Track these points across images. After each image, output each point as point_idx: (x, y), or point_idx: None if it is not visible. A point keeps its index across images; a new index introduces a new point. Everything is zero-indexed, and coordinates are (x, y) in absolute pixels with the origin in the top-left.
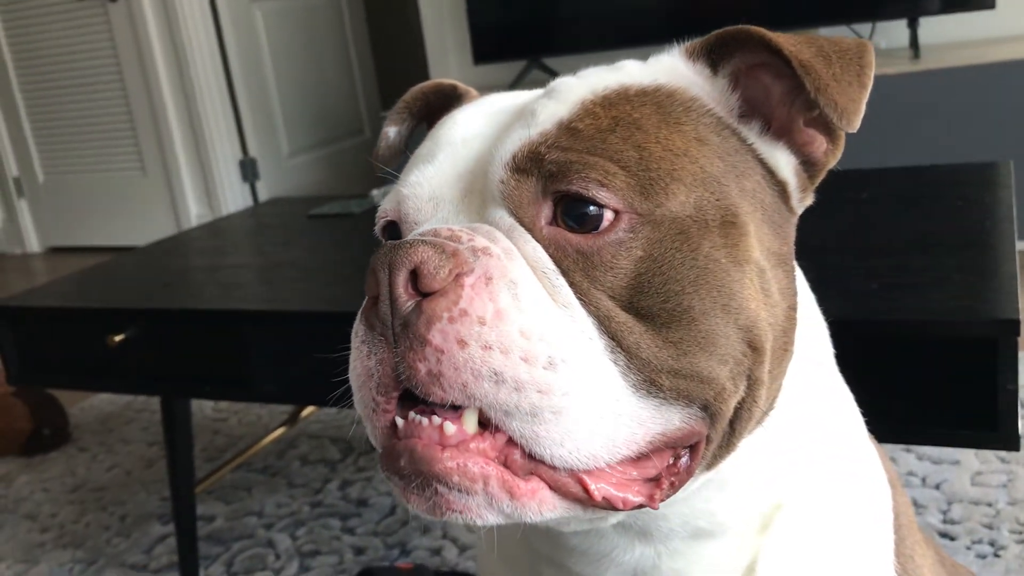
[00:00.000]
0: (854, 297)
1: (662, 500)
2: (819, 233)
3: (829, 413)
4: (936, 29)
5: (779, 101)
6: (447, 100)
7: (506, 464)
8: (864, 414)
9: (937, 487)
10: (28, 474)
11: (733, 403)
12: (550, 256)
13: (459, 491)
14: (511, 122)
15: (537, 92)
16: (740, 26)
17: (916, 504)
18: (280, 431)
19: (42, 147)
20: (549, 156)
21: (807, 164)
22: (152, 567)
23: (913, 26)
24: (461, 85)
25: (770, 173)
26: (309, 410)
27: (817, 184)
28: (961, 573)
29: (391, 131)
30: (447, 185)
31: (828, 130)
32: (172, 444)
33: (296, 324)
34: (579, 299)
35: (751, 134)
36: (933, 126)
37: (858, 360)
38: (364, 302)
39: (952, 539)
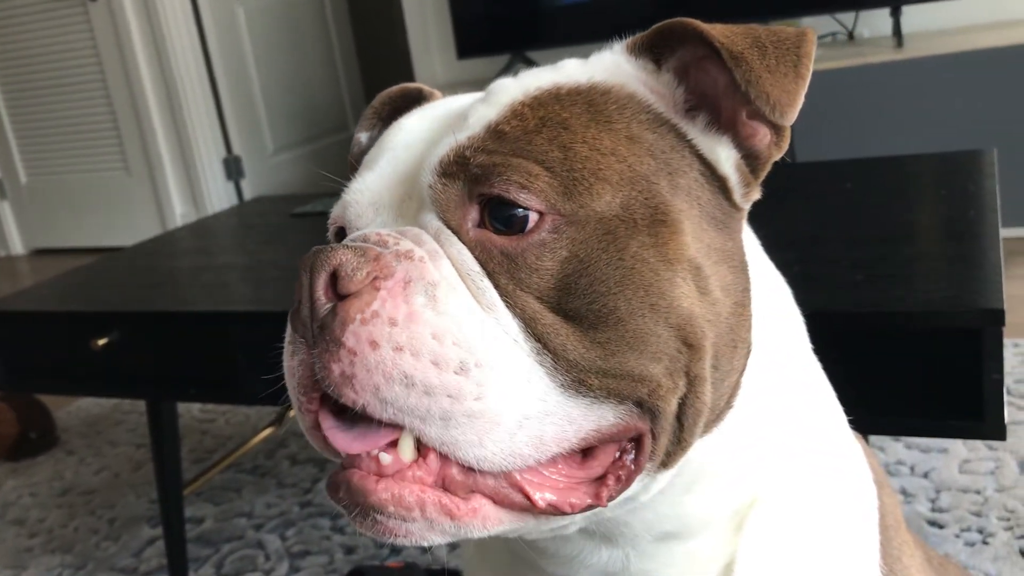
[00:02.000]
0: (840, 288)
1: (611, 499)
2: (804, 224)
3: (803, 409)
4: (919, 17)
5: (724, 93)
6: (414, 104)
7: (445, 485)
8: (850, 406)
9: (925, 475)
10: (15, 479)
11: (674, 399)
12: (476, 259)
13: (396, 519)
14: (448, 127)
15: (479, 94)
16: (677, 19)
17: (905, 493)
18: (268, 431)
19: (24, 148)
20: (474, 160)
21: (750, 158)
22: (141, 570)
23: (896, 14)
24: (427, 88)
25: (710, 169)
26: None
27: (762, 178)
28: (951, 571)
29: (362, 137)
30: (387, 190)
31: (771, 122)
32: (159, 447)
33: (282, 324)
34: (504, 301)
35: (694, 128)
36: (916, 115)
37: (844, 351)
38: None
39: (941, 527)
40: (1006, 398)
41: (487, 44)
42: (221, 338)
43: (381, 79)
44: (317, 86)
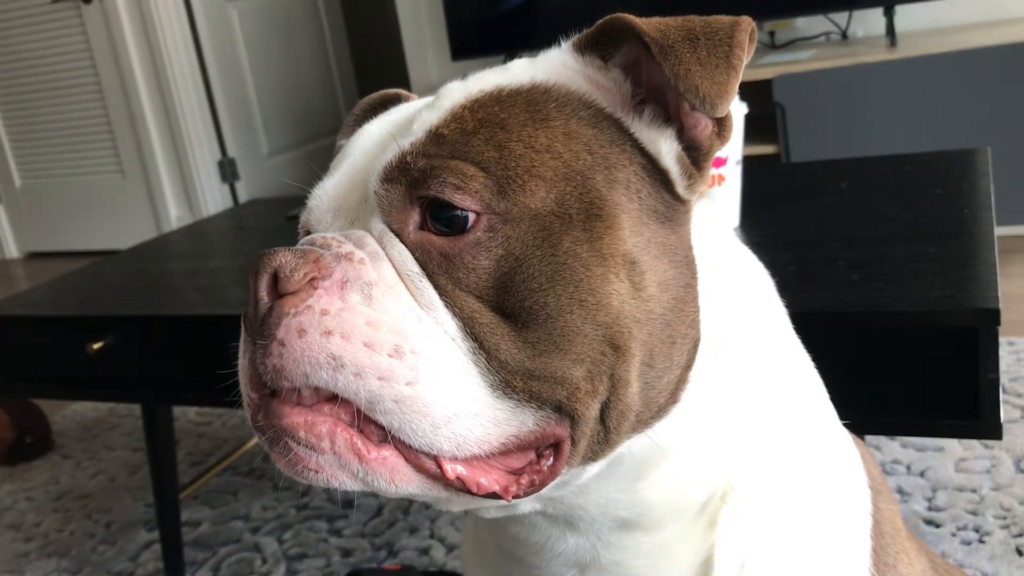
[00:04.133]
0: (836, 288)
1: (517, 496)
2: (800, 224)
3: (781, 403)
4: (912, 17)
5: (668, 85)
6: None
7: (361, 430)
8: (846, 405)
9: (922, 474)
10: (11, 483)
11: (594, 403)
12: (416, 260)
13: (306, 447)
14: (398, 133)
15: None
16: (616, 15)
17: (901, 492)
18: None
19: (19, 151)
20: (414, 164)
21: (692, 149)
22: (138, 574)
23: (889, 14)
24: (405, 93)
25: (651, 162)
26: None
27: (706, 169)
28: None
29: (343, 143)
30: (344, 195)
31: None
32: (155, 450)
33: None
34: (444, 300)
35: (638, 122)
36: (910, 114)
37: (840, 351)
38: None
39: (937, 526)
40: (1002, 397)
41: (481, 45)
42: (217, 341)
43: (376, 81)
44: (312, 88)
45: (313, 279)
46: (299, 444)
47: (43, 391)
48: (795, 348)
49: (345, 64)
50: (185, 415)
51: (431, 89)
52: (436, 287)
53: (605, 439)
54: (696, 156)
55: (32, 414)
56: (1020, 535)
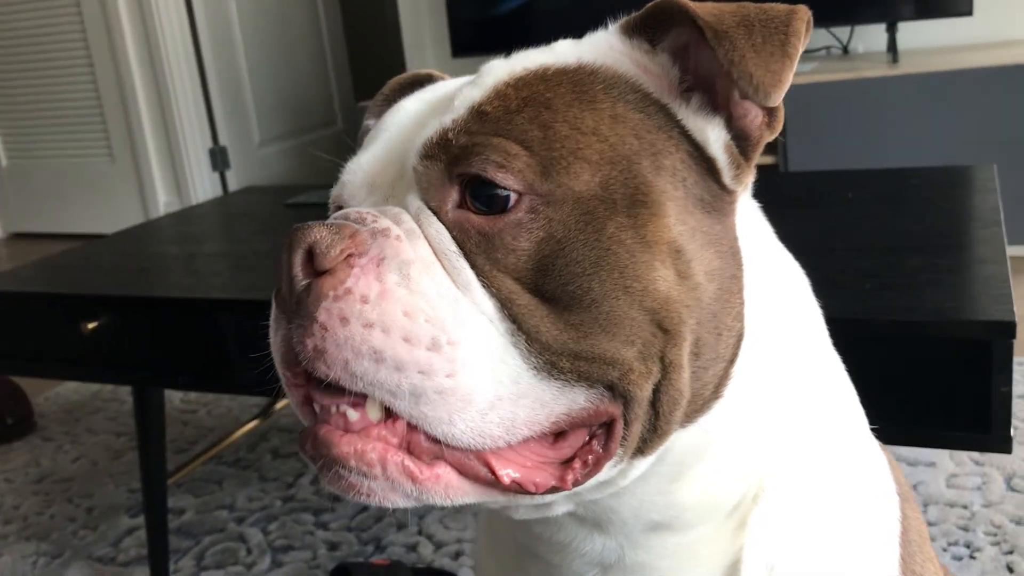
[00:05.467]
0: (848, 296)
1: (576, 483)
2: (808, 232)
3: (816, 406)
4: (915, 34)
5: (718, 73)
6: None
7: (411, 449)
8: None
9: (913, 488)
10: None
11: (647, 385)
12: (454, 238)
13: (358, 474)
14: (438, 109)
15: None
16: None
17: None
18: (253, 423)
19: (6, 130)
20: (456, 141)
21: (741, 139)
22: (120, 560)
23: (891, 31)
24: (437, 74)
25: (698, 150)
26: (283, 403)
27: (755, 160)
28: None
29: (371, 123)
30: (379, 171)
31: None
32: (144, 435)
33: None
34: (481, 281)
35: (686, 109)
36: (908, 130)
37: (850, 359)
38: None
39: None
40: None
41: (482, 42)
42: (213, 326)
43: (371, 76)
44: (306, 80)
45: (349, 256)
46: (351, 472)
47: (32, 370)
48: (829, 350)
49: (340, 58)
50: (170, 402)
51: None
52: (473, 267)
53: (656, 428)
54: (745, 146)
55: (14, 395)
56: (1011, 552)
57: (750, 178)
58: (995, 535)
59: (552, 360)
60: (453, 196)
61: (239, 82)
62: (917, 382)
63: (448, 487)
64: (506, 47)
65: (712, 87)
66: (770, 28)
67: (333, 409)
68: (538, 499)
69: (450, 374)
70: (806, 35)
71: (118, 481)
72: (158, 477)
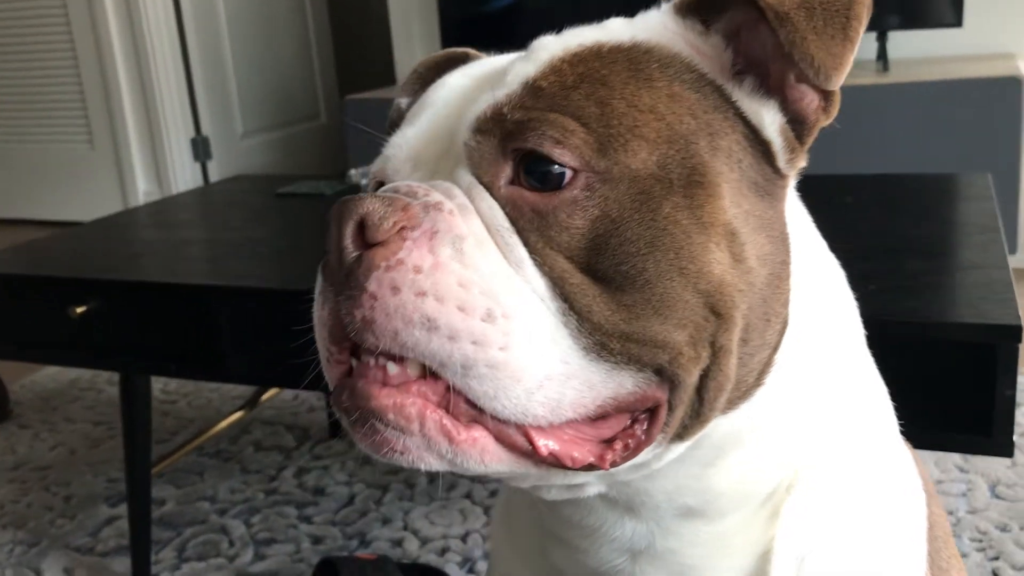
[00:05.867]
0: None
1: (614, 464)
2: None
3: (850, 397)
4: (905, 44)
5: (773, 56)
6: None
7: (449, 410)
8: None
9: None
10: None
11: (695, 370)
12: (507, 215)
13: (395, 429)
14: (487, 84)
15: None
16: None
17: None
18: (238, 414)
19: None
20: (510, 116)
21: (797, 123)
22: (99, 550)
23: (882, 40)
24: (474, 52)
25: (753, 132)
26: (269, 394)
27: (808, 144)
28: None
29: (403, 102)
30: (424, 146)
31: (817, 87)
32: (130, 423)
33: (272, 303)
34: (533, 259)
35: (740, 91)
36: (897, 138)
37: None
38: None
39: None
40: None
41: (474, 37)
42: (207, 313)
43: (356, 71)
44: (291, 73)
45: (402, 228)
46: (387, 426)
47: (17, 354)
48: (864, 343)
49: (326, 52)
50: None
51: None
52: (526, 244)
53: (698, 413)
54: (800, 130)
55: None
56: (996, 558)
57: (802, 163)
58: (980, 541)
59: (603, 341)
60: (506, 172)
61: (224, 72)
62: (919, 384)
63: (484, 451)
64: (497, 42)
65: (764, 70)
66: (831, 11)
67: (371, 362)
68: (571, 477)
69: (503, 347)
70: (866, 19)
71: (96, 470)
72: (143, 467)
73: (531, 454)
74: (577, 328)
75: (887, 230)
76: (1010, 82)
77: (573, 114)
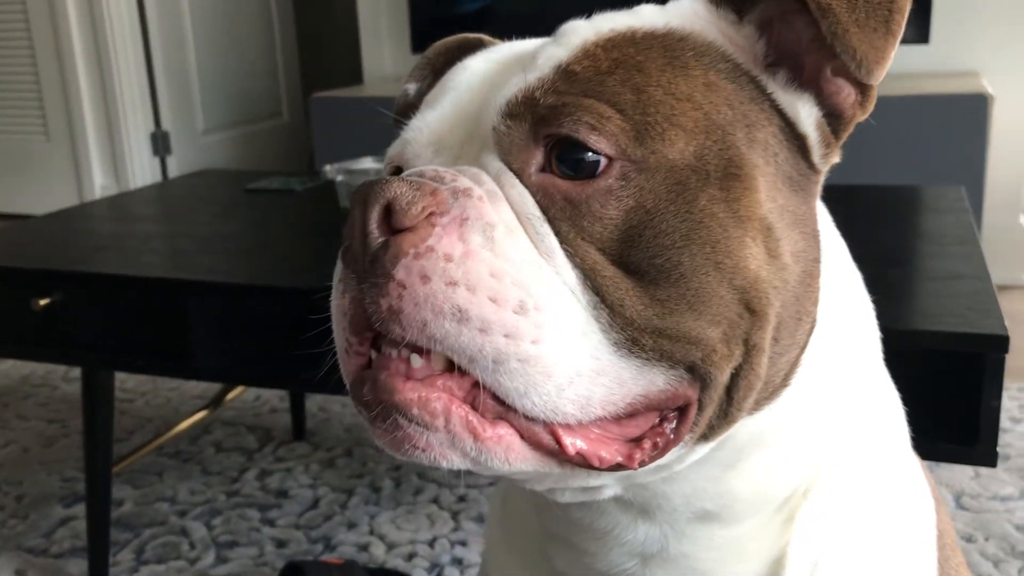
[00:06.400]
0: None
1: (642, 463)
2: None
3: (868, 402)
4: None
5: (808, 48)
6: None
7: (474, 406)
8: None
9: None
10: None
11: (727, 368)
12: (537, 203)
13: (418, 425)
14: (515, 68)
15: (545, 40)
16: None
17: None
18: (202, 414)
19: None
20: (543, 100)
21: (832, 117)
22: (53, 551)
23: None
24: (488, 38)
25: (789, 126)
26: (233, 393)
27: (844, 140)
28: None
29: (410, 88)
30: (447, 131)
31: (856, 80)
32: (92, 419)
33: (245, 298)
34: (564, 249)
35: (775, 83)
36: (865, 153)
37: None
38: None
39: None
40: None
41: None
42: (177, 308)
43: (320, 70)
44: (254, 70)
45: (431, 214)
46: (410, 422)
47: None
48: (879, 347)
49: (290, 50)
50: None
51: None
52: (557, 234)
53: (726, 413)
54: (836, 125)
55: None
56: None
57: (836, 158)
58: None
59: (634, 336)
60: (537, 158)
61: (186, 66)
62: (903, 394)
63: (509, 450)
64: None
65: (798, 63)
66: (873, 3)
67: (394, 354)
68: (592, 479)
69: (535, 340)
70: (907, 13)
71: (50, 469)
72: (103, 466)
73: (558, 453)
74: (608, 322)
75: (865, 240)
76: (977, 99)
77: (608, 100)
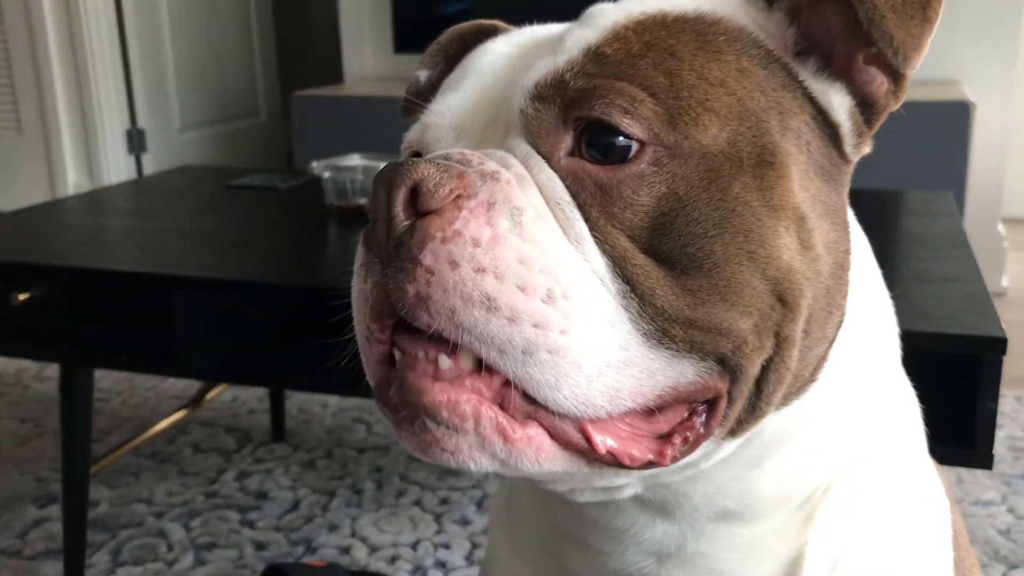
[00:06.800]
0: None
1: (674, 459)
2: None
3: (888, 401)
4: None
5: (839, 36)
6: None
7: (503, 406)
8: None
9: None
10: None
11: (758, 360)
12: (567, 188)
13: (448, 428)
14: (541, 51)
15: (568, 24)
16: None
17: None
18: (181, 413)
19: None
20: (573, 83)
21: (865, 106)
22: (26, 553)
23: None
24: (503, 25)
25: (821, 114)
26: (214, 392)
27: (876, 129)
28: None
29: (422, 75)
30: (470, 114)
31: (890, 69)
32: (70, 417)
33: (234, 294)
34: (594, 236)
35: (805, 71)
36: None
37: None
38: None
39: None
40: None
41: (426, 40)
42: (163, 304)
43: (299, 69)
44: (232, 69)
45: (458, 197)
46: (439, 425)
47: None
48: (898, 345)
49: (268, 48)
50: None
51: (365, 80)
52: (586, 220)
53: (755, 408)
54: (869, 114)
55: None
56: None
57: (868, 148)
58: None
59: (664, 327)
60: (566, 142)
61: (163, 63)
62: None
63: (539, 450)
64: None
65: (828, 52)
66: None
67: (420, 355)
68: (620, 477)
69: (564, 330)
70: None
71: (23, 469)
72: (81, 466)
73: (588, 452)
74: (638, 312)
75: None
76: (959, 106)
77: (641, 83)
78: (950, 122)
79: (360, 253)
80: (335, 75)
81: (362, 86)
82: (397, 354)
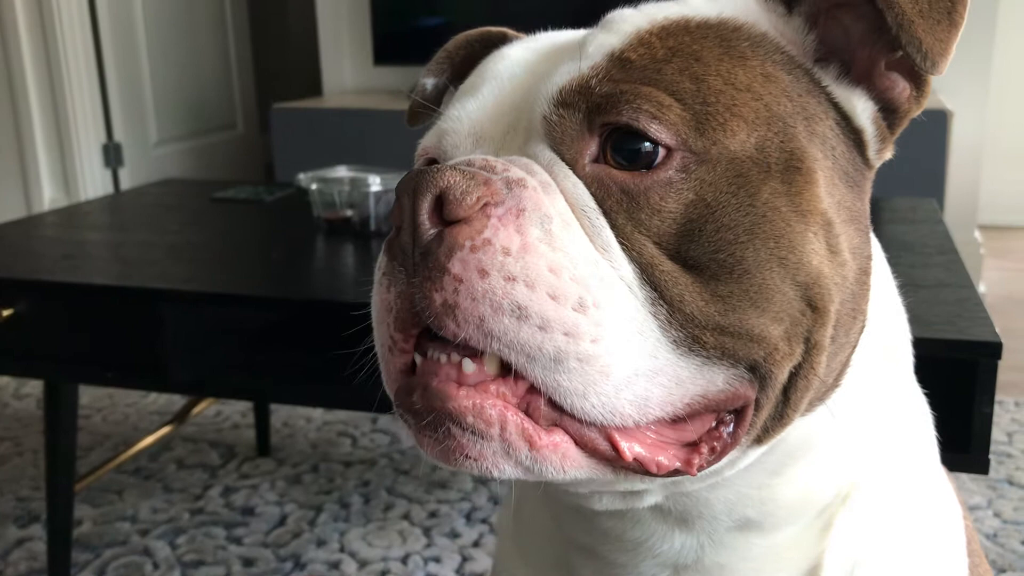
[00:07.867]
0: None
1: (701, 468)
2: None
3: (904, 408)
4: None
5: (860, 42)
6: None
7: (528, 413)
8: None
9: None
10: None
11: (787, 366)
12: (592, 195)
13: (473, 434)
14: (562, 57)
15: (585, 30)
16: None
17: None
18: (167, 429)
19: None
20: (599, 88)
21: (887, 111)
22: (8, 574)
23: None
24: (512, 32)
25: (845, 120)
26: (200, 407)
27: (898, 135)
28: None
29: (427, 82)
30: (489, 121)
31: (912, 74)
32: (55, 434)
33: (224, 307)
34: (621, 243)
35: (827, 77)
36: None
37: None
38: (390, 233)
39: None
40: None
41: (406, 53)
42: (150, 318)
43: (275, 83)
44: (208, 83)
45: (486, 205)
46: (464, 431)
47: None
48: (911, 352)
49: (245, 62)
50: None
51: (344, 93)
52: (613, 227)
53: (782, 414)
54: (891, 119)
55: None
56: None
57: (889, 154)
58: None
59: (695, 334)
60: (591, 148)
61: (139, 77)
62: None
63: (565, 458)
64: (429, 58)
65: (848, 58)
66: None
67: (444, 359)
68: (645, 482)
69: (595, 339)
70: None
71: (3, 489)
72: (66, 483)
73: (615, 460)
74: (667, 319)
75: None
76: (937, 115)
77: (667, 89)
78: (928, 130)
79: (382, 262)
80: (314, 87)
81: (341, 98)
82: (418, 359)
